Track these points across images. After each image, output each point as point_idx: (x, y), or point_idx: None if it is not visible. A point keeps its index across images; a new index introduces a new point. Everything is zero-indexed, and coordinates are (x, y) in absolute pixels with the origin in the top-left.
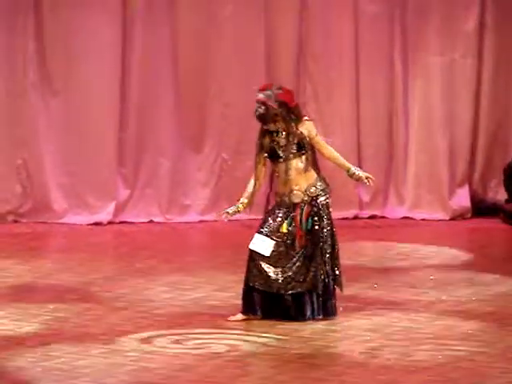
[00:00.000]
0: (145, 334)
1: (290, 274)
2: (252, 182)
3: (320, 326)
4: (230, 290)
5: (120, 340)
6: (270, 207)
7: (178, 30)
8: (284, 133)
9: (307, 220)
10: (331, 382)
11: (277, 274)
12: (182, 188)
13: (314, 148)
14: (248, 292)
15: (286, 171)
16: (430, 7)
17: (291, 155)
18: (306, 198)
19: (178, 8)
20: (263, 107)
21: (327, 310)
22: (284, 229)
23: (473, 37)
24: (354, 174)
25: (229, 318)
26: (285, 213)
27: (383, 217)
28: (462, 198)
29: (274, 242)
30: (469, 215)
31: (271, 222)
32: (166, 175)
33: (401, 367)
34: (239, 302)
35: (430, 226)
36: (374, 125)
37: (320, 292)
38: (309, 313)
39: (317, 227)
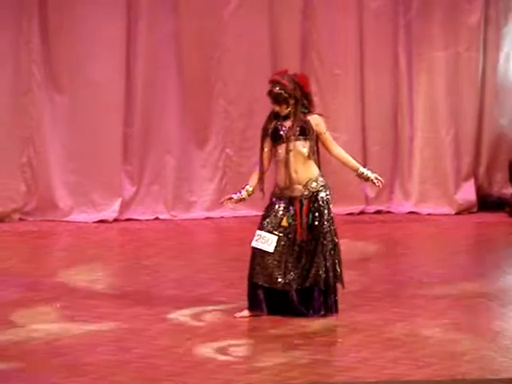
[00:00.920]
0: (151, 331)
1: (293, 270)
2: (257, 168)
3: (326, 321)
4: (236, 287)
5: (127, 337)
6: (269, 201)
7: (183, 28)
8: (292, 115)
9: (307, 215)
10: (339, 377)
11: (280, 271)
12: (188, 185)
13: (319, 143)
14: (252, 289)
15: (287, 152)
16: (433, 2)
17: (293, 137)
18: (306, 193)
19: (182, 5)
20: (278, 86)
21: (329, 307)
22: (285, 222)
23: (477, 31)
24: (363, 174)
25: (235, 315)
26: (285, 207)
27: (389, 212)
28: (468, 193)
29: (277, 237)
30: (474, 210)
31: (272, 217)
32: (172, 172)
33: (408, 361)
34: (246, 298)
35: (436, 220)
36: (378, 120)
37: (322, 288)
38: (312, 308)
39: (317, 223)
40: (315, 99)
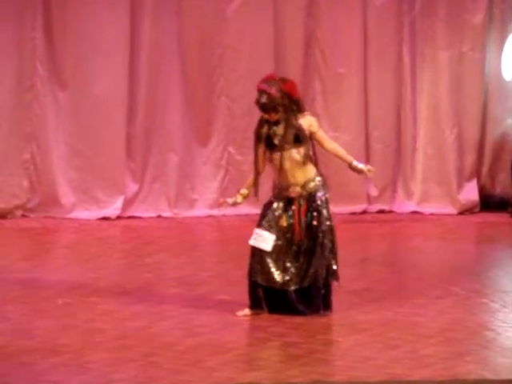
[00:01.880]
0: (154, 329)
1: (291, 269)
2: (253, 172)
3: (328, 319)
4: (238, 285)
5: (129, 335)
6: (267, 200)
7: (186, 25)
8: (283, 123)
9: (306, 215)
10: (339, 376)
11: (279, 270)
12: (190, 182)
13: (314, 143)
14: (253, 287)
15: (282, 161)
16: (437, 0)
17: (287, 145)
18: (304, 193)
19: (186, 3)
20: (265, 96)
21: (327, 305)
22: (283, 222)
23: (481, 30)
24: (356, 167)
25: (237, 313)
26: (283, 207)
27: (391, 211)
28: (471, 193)
29: (274, 236)
30: (477, 209)
31: (270, 216)
32: (174, 170)
33: (409, 361)
34: (247, 296)
35: (439, 220)
36: (382, 119)
37: (321, 287)
38: (312, 307)
39: (315, 222)
40: (319, 98)
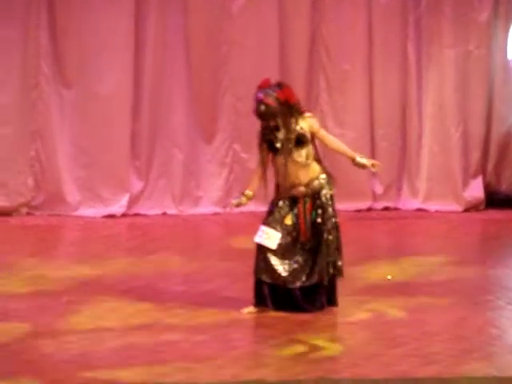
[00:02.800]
0: (158, 326)
1: (296, 267)
2: (257, 172)
3: (334, 316)
4: (243, 282)
5: (133, 332)
6: (273, 198)
7: (191, 22)
8: (283, 128)
9: (311, 214)
10: (346, 373)
11: (284, 268)
12: (195, 180)
13: (316, 142)
14: (258, 285)
15: (285, 165)
16: None
17: (289, 149)
18: (308, 192)
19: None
20: (263, 106)
21: (332, 301)
22: (289, 221)
23: (486, 28)
24: (360, 162)
25: (242, 311)
26: (289, 205)
27: (397, 208)
28: (476, 190)
29: (280, 234)
30: (482, 207)
31: (276, 213)
32: (179, 167)
33: (415, 358)
34: (252, 294)
35: (444, 217)
36: (387, 117)
37: (326, 284)
38: (317, 304)
39: (320, 220)
40: (323, 94)
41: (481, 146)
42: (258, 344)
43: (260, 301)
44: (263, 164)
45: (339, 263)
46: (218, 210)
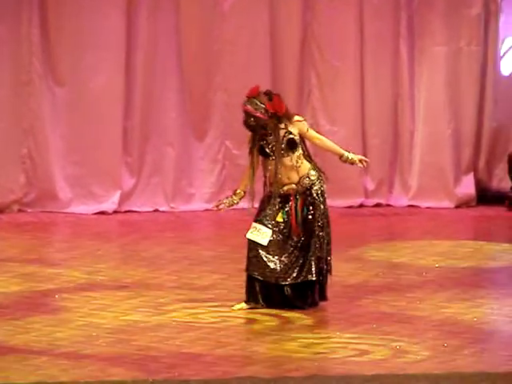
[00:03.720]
0: (150, 323)
1: (287, 263)
2: (246, 172)
3: (325, 313)
4: (235, 279)
5: (126, 329)
6: (265, 194)
7: (183, 19)
8: (273, 136)
9: (302, 210)
10: (337, 370)
11: (275, 264)
12: (187, 176)
13: (305, 141)
14: (249, 281)
15: (276, 168)
16: None
17: (280, 154)
18: (299, 189)
19: None
20: (252, 119)
21: (323, 296)
22: (280, 218)
23: (478, 24)
24: (348, 158)
25: (233, 307)
26: (280, 202)
27: (388, 205)
28: (467, 186)
29: (271, 231)
30: (474, 203)
31: (268, 210)
32: (171, 164)
33: (406, 355)
34: (244, 290)
35: (435, 214)
36: (378, 113)
37: (318, 279)
38: (309, 301)
39: (311, 216)
40: (315, 91)
41: (472, 142)
42: (249, 341)
43: (251, 297)
44: (253, 168)
45: (329, 258)
46: (210, 206)
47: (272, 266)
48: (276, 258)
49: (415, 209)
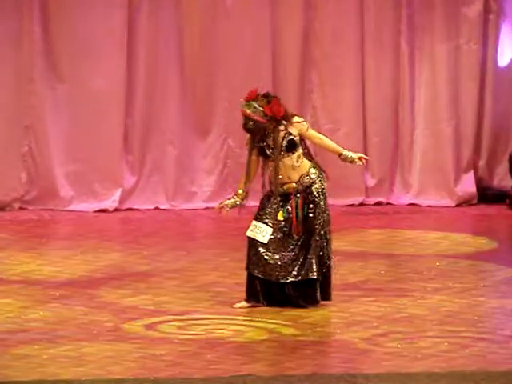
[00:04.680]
0: (151, 321)
1: (287, 261)
2: (246, 172)
3: (326, 312)
4: (235, 277)
5: (126, 327)
6: (265, 193)
7: (184, 17)
8: (273, 138)
9: (303, 209)
10: (338, 368)
11: (275, 262)
12: (189, 175)
13: (305, 140)
14: (250, 280)
15: (276, 169)
16: None
17: (280, 155)
18: (300, 187)
19: None
20: (251, 122)
21: (326, 295)
22: (280, 216)
23: (478, 22)
24: (347, 156)
25: (234, 306)
26: (280, 200)
27: (389, 203)
28: (468, 185)
29: (272, 229)
30: (474, 201)
31: (268, 208)
32: (173, 162)
33: (407, 354)
34: (244, 288)
35: (436, 212)
36: (379, 111)
37: (319, 278)
38: (310, 300)
39: (311, 215)
40: (316, 89)
41: (473, 140)
42: (249, 339)
43: (252, 296)
44: (251, 169)
45: (331, 258)
46: (211, 204)
47: (272, 263)
48: (276, 255)
49: (416, 207)
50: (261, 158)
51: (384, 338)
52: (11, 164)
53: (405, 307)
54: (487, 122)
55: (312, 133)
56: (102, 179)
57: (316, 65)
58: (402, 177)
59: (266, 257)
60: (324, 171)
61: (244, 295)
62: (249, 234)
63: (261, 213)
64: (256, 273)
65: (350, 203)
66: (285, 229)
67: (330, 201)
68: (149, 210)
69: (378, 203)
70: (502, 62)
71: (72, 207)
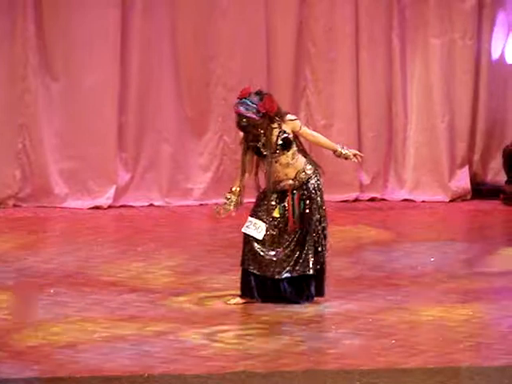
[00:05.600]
0: (145, 318)
1: (282, 258)
2: (241, 172)
3: (320, 308)
4: (230, 273)
5: (120, 324)
6: (261, 190)
7: (179, 14)
8: (266, 136)
9: (299, 205)
10: (333, 364)
11: (270, 258)
12: (184, 172)
13: (299, 137)
14: (245, 275)
15: (271, 167)
16: None
17: (275, 154)
18: (296, 184)
19: None
20: (244, 120)
21: (320, 291)
22: (276, 213)
23: (471, 17)
24: (342, 153)
25: (228, 302)
26: (277, 197)
27: (383, 199)
28: (462, 180)
29: (267, 226)
30: (469, 197)
31: (264, 205)
32: (167, 159)
33: (401, 349)
34: (239, 285)
35: (430, 207)
36: (373, 107)
37: (314, 274)
38: (305, 296)
39: (308, 211)
40: (310, 86)
41: (467, 136)
42: (244, 335)
43: (246, 292)
44: (245, 167)
45: (326, 253)
46: (205, 201)
47: (267, 259)
48: (272, 252)
49: (410, 202)
50: (255, 158)
51: (378, 333)
52: (5, 161)
53: (399, 302)
54: (481, 118)
55: (306, 131)
56: (96, 176)
57: (310, 61)
58: (396, 172)
59: (262, 253)
60: (319, 167)
61: (238, 291)
62: (244, 230)
63: (256, 209)
64: (251, 269)
65: (345, 199)
66: (280, 225)
67: (324, 196)
68: (143, 206)
69: (373, 199)
70: (496, 56)
71: (66, 204)
